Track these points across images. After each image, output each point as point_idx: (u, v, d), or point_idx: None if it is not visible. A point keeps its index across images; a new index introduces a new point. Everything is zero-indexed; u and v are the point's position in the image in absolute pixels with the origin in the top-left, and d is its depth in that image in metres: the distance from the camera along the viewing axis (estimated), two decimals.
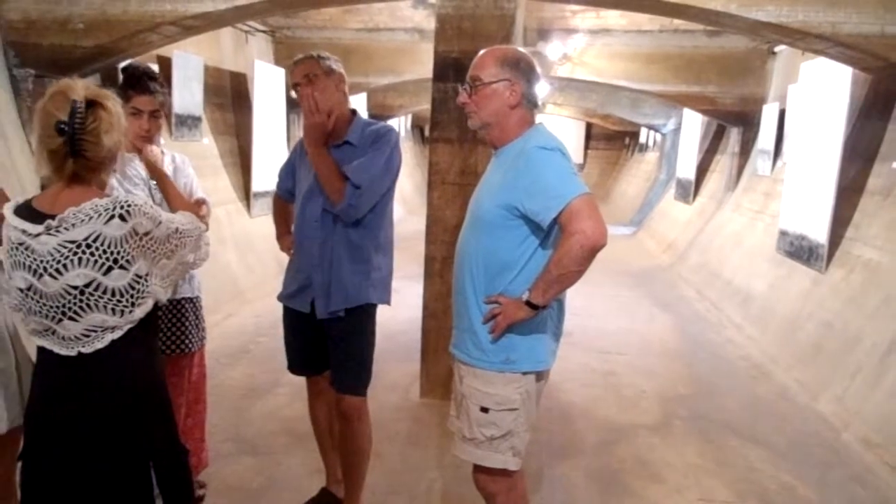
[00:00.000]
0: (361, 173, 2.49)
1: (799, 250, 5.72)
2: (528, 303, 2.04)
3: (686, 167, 10.78)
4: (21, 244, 1.68)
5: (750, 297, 6.42)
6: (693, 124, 10.48)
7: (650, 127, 14.83)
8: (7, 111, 4.37)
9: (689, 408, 4.35)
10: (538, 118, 2.23)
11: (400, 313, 3.99)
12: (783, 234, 6.11)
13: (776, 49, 7.88)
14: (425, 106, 10.54)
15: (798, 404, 4.44)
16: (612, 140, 21.16)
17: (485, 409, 2.13)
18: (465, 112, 2.19)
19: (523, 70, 2.13)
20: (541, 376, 2.22)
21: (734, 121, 8.62)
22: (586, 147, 22.46)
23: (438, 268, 4.13)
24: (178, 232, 1.81)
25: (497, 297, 2.10)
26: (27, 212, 1.71)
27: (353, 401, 2.69)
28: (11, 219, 1.71)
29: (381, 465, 3.20)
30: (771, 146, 7.45)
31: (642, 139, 17.27)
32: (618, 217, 14.41)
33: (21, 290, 1.71)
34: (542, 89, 11.21)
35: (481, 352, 2.14)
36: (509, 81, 2.11)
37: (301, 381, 2.92)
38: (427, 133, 17.26)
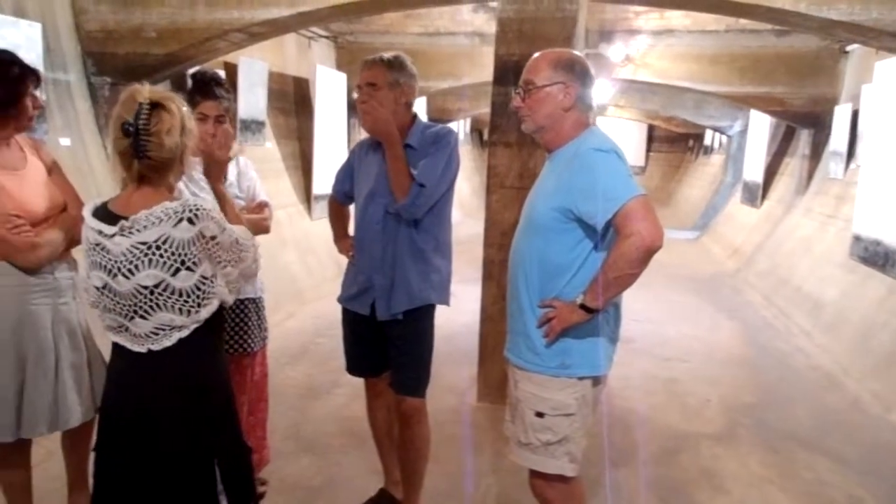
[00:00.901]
0: (426, 173, 2.51)
1: (874, 256, 5.48)
2: (582, 306, 2.02)
3: (753, 170, 10.46)
4: (98, 244, 1.75)
5: (820, 304, 6.18)
6: (761, 126, 10.16)
7: (715, 129, 14.45)
8: (86, 118, 4.56)
9: (754, 417, 4.22)
10: (598, 120, 2.20)
11: (457, 316, 4.00)
12: (857, 239, 5.86)
13: (848, 48, 7.57)
14: (484, 110, 10.51)
15: (870, 415, 4.25)
16: (675, 142, 20.70)
17: (540, 414, 2.11)
18: (519, 116, 2.17)
19: (578, 73, 2.10)
20: (598, 381, 2.18)
21: (804, 122, 8.32)
22: (648, 150, 22.05)
23: (496, 271, 4.11)
24: (238, 243, 1.85)
25: (551, 301, 2.08)
26: (104, 213, 1.78)
27: (412, 402, 2.70)
28: (89, 220, 1.78)
29: (439, 469, 3.20)
30: (844, 148, 7.15)
31: (707, 141, 16.85)
32: (681, 221, 14.09)
33: (97, 289, 1.78)
34: (603, 91, 11.06)
35: (536, 356, 2.12)
36: (563, 84, 2.08)
37: (359, 382, 2.95)
38: (486, 137, 17.26)
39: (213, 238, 1.76)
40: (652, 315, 6.40)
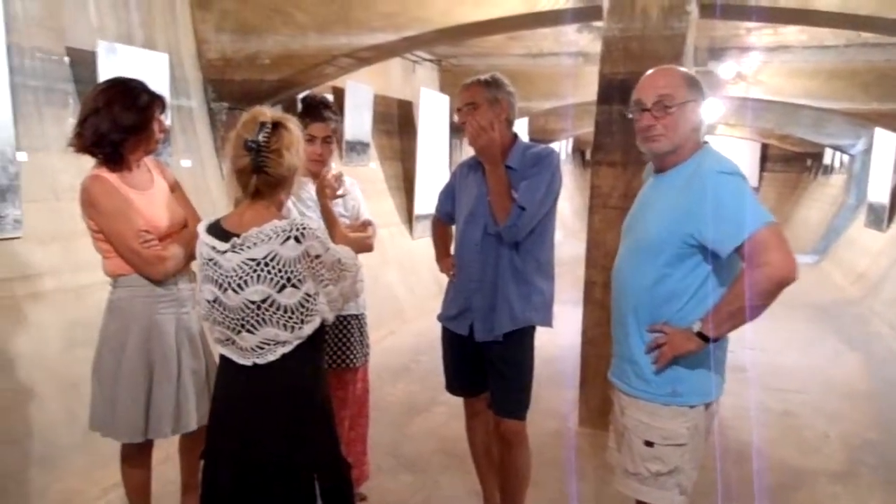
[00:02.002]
0: (527, 195, 2.50)
1: None
2: (699, 334, 1.93)
3: (879, 191, 9.78)
4: (210, 260, 1.84)
5: None
6: (887, 144, 9.50)
7: (836, 148, 13.64)
8: (205, 141, 4.84)
9: (878, 455, 3.90)
10: (707, 139, 2.12)
11: (558, 338, 3.93)
12: None
13: None
14: (587, 129, 10.40)
15: None
16: (791, 162, 19.65)
17: (649, 443, 2.02)
18: (648, 135, 2.03)
19: (701, 91, 2.04)
20: (709, 409, 2.08)
21: None
22: (762, 169, 21.06)
23: (598, 293, 4.02)
24: (340, 262, 1.88)
25: (661, 326, 2.00)
26: (217, 230, 1.87)
27: (513, 425, 2.66)
28: (204, 236, 1.88)
29: (540, 494, 3.13)
30: None
31: (826, 160, 15.90)
32: (798, 245, 13.31)
33: (208, 302, 1.86)
34: (713, 110, 10.68)
35: (645, 382, 2.04)
36: (695, 102, 2.02)
37: (459, 401, 2.94)
38: (588, 156, 17.02)
39: (317, 257, 1.81)
40: (767, 343, 6.06)
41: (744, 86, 8.24)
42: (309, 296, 1.82)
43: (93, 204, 2.34)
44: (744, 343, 5.42)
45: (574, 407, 4.18)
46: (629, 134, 4.07)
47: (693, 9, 3.82)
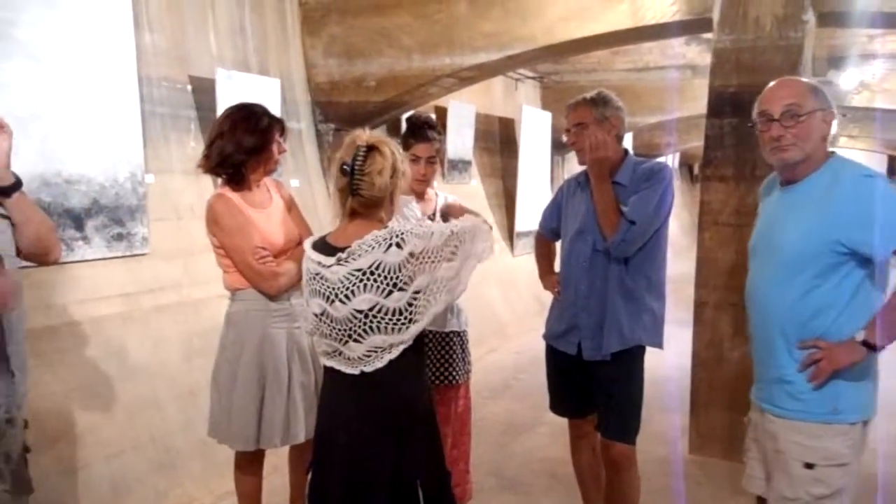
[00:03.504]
0: (637, 209, 2.45)
1: None
2: (864, 343, 1.85)
3: None
4: (317, 274, 1.90)
5: None
6: None
7: None
8: (313, 161, 5.02)
9: None
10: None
11: (667, 359, 3.78)
12: None
13: None
14: (695, 143, 10.07)
15: None
16: None
17: (809, 466, 1.92)
18: (777, 145, 1.98)
19: (827, 100, 1.99)
20: (867, 425, 1.97)
21: None
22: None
23: (709, 314, 3.86)
24: (453, 234, 1.92)
25: (815, 342, 1.92)
26: (323, 246, 1.94)
27: (622, 448, 2.58)
28: (310, 252, 1.95)
29: None
30: None
31: None
32: None
33: (316, 316, 1.92)
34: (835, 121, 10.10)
35: (799, 402, 1.95)
36: (824, 111, 1.96)
37: (562, 421, 2.88)
38: (696, 171, 16.44)
39: (422, 252, 1.85)
40: None
41: (867, 95, 7.75)
42: (417, 293, 1.85)
43: (216, 221, 2.47)
44: None
45: (684, 433, 4.01)
46: (741, 148, 3.94)
47: (810, 17, 3.64)
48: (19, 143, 2.07)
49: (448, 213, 2.52)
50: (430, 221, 2.81)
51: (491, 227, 2.12)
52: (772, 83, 2.06)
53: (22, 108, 2.96)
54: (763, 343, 2.05)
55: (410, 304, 1.85)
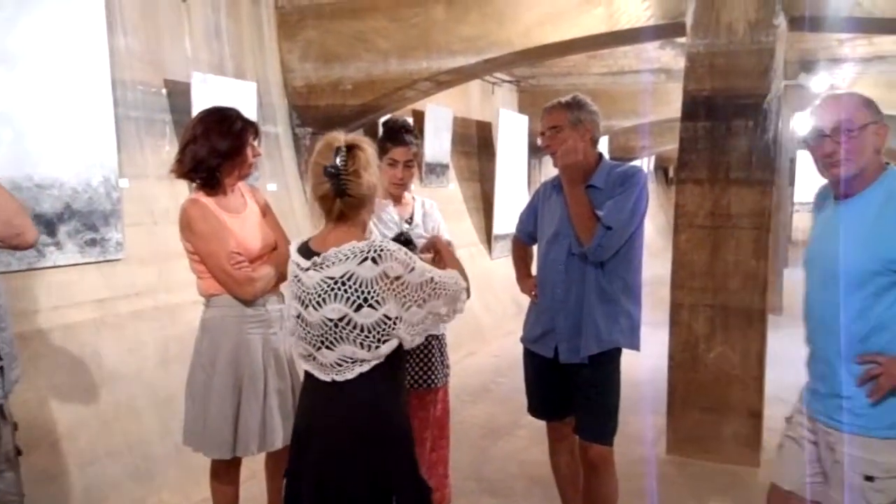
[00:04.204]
0: (613, 214, 2.46)
1: None
2: None
3: None
4: (296, 276, 1.90)
5: None
6: None
7: None
8: (290, 165, 5.00)
9: None
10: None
11: (643, 361, 3.82)
12: None
13: None
14: (670, 147, 10.18)
15: None
16: None
17: (870, 478, 1.94)
18: (830, 161, 1.99)
19: (880, 111, 1.99)
20: None
21: None
22: None
23: (685, 316, 3.90)
24: (432, 282, 1.87)
25: (874, 357, 1.93)
26: (304, 249, 1.93)
27: (599, 450, 2.60)
28: (293, 255, 1.95)
29: None
30: None
31: None
32: None
33: (294, 318, 1.92)
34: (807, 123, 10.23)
35: (858, 417, 1.96)
36: (876, 124, 1.97)
37: (541, 424, 2.90)
38: (671, 174, 16.62)
39: (397, 278, 1.81)
40: None
41: None
42: (388, 318, 1.82)
43: (189, 226, 2.45)
44: None
45: (661, 433, 4.05)
46: (715, 151, 3.99)
47: (781, 22, 3.70)
48: None
49: (436, 249, 2.28)
50: (407, 226, 2.82)
51: (468, 287, 2.00)
52: (822, 99, 2.07)
53: None
54: (821, 359, 2.06)
55: (380, 326, 1.82)
